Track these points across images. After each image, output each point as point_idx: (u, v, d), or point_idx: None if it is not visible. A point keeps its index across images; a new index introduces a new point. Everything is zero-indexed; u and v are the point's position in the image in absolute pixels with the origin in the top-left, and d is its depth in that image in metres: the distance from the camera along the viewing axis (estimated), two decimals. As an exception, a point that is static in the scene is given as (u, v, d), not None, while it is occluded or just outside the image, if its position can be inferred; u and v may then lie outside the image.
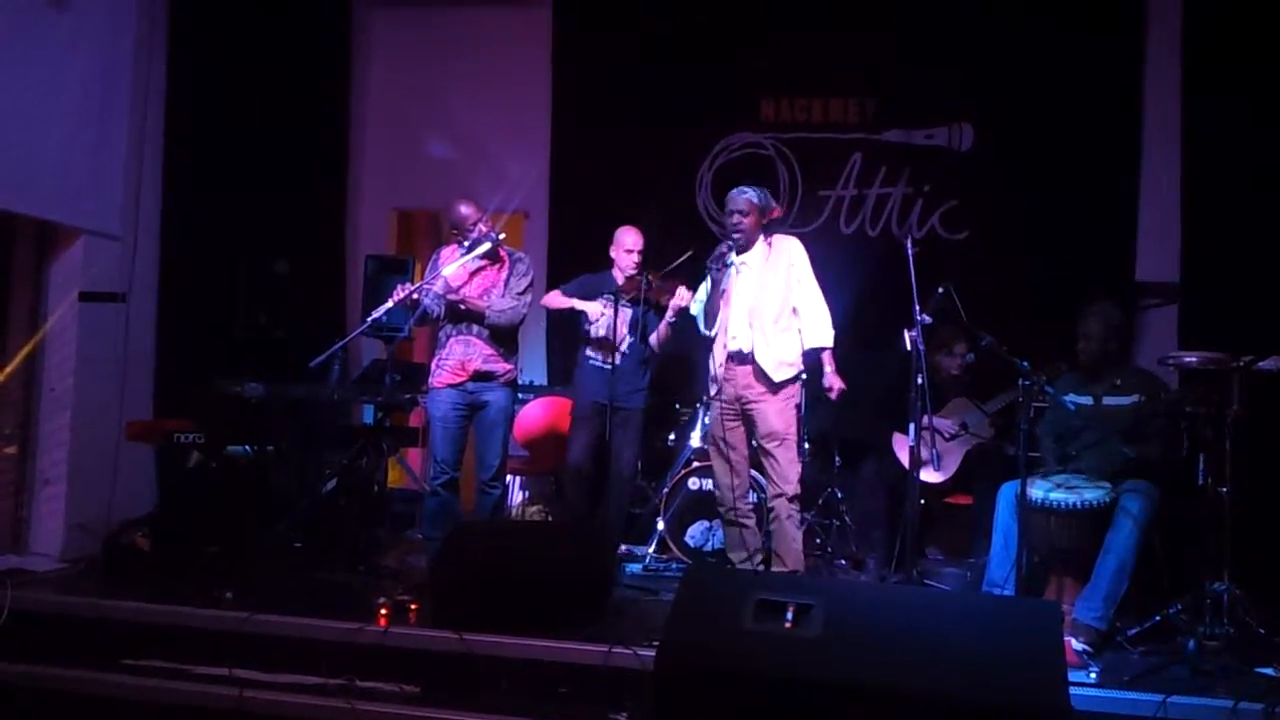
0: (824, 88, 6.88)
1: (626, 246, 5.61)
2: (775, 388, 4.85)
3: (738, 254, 4.94)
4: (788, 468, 4.85)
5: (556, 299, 5.74)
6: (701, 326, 5.09)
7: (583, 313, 5.66)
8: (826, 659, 3.31)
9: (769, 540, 4.93)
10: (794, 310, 4.93)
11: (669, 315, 5.44)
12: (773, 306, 4.88)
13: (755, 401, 4.87)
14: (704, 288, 5.05)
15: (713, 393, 5.00)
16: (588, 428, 5.65)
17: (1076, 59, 6.43)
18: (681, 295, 5.29)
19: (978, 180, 6.62)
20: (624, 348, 5.49)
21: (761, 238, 4.99)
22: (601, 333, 5.58)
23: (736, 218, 4.91)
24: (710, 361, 5.03)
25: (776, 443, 4.84)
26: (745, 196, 4.93)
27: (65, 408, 5.66)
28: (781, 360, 4.86)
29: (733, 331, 4.90)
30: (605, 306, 5.55)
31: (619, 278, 5.63)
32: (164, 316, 6.23)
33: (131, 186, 5.97)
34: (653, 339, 5.63)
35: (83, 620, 4.51)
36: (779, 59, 6.86)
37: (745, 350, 4.87)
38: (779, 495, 4.84)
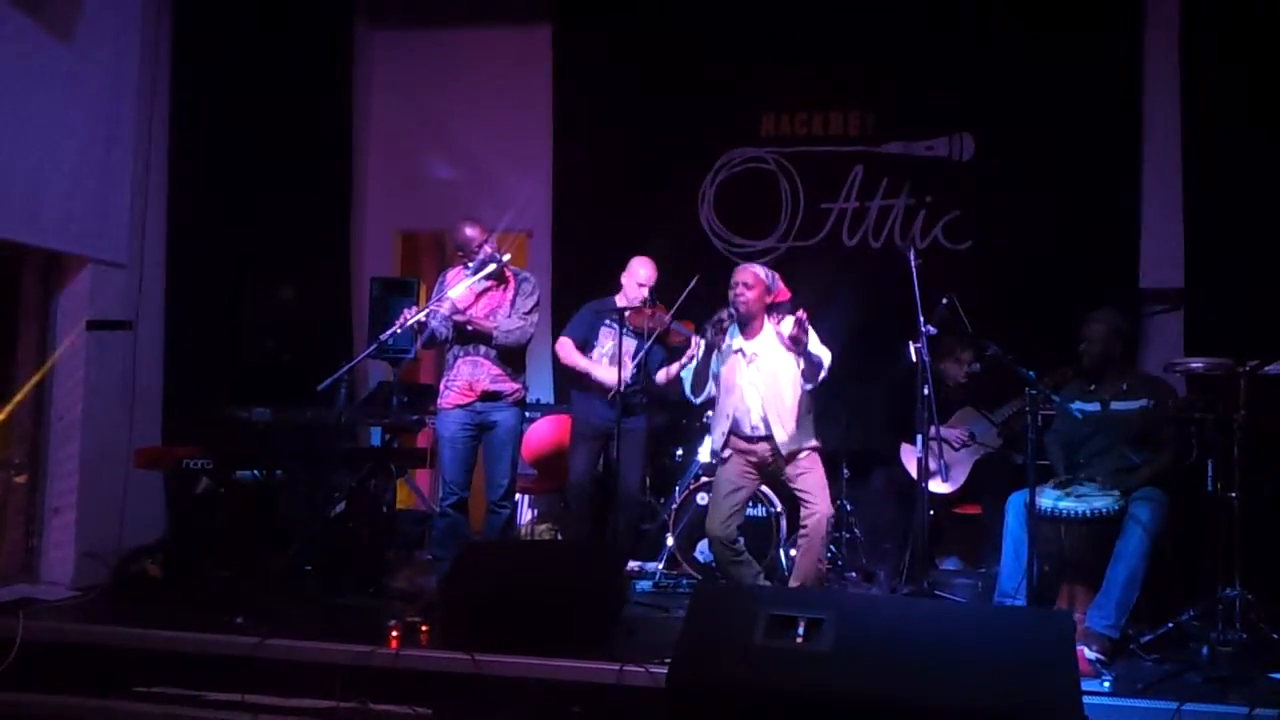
0: (824, 101, 6.92)
1: (640, 280, 5.54)
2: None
3: (744, 338, 4.89)
4: (821, 488, 4.84)
5: (569, 354, 5.65)
6: (688, 390, 5.02)
7: (596, 332, 5.64)
8: (839, 673, 3.31)
9: (776, 556, 4.92)
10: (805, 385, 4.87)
11: (684, 359, 5.27)
12: (788, 393, 4.84)
13: (779, 463, 4.86)
14: (699, 348, 4.96)
15: (725, 455, 4.96)
16: (587, 445, 5.65)
17: (1075, 67, 6.45)
18: (695, 344, 5.11)
19: (979, 190, 6.64)
20: (628, 374, 5.46)
21: (769, 322, 4.91)
22: (606, 363, 5.57)
23: (740, 289, 4.81)
24: (712, 431, 5.04)
25: (804, 473, 4.84)
26: (752, 270, 4.89)
27: (74, 436, 5.66)
28: (805, 446, 4.85)
29: (751, 422, 4.85)
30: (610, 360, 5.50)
31: (621, 303, 5.60)
32: (171, 343, 6.24)
33: (137, 214, 5.99)
34: (660, 376, 5.56)
35: (94, 648, 4.50)
36: (779, 73, 6.90)
37: (764, 433, 4.85)
38: (814, 514, 4.79)
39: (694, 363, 5.00)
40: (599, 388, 5.54)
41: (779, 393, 4.82)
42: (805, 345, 4.65)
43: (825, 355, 4.77)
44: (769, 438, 4.83)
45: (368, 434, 6.85)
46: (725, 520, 4.84)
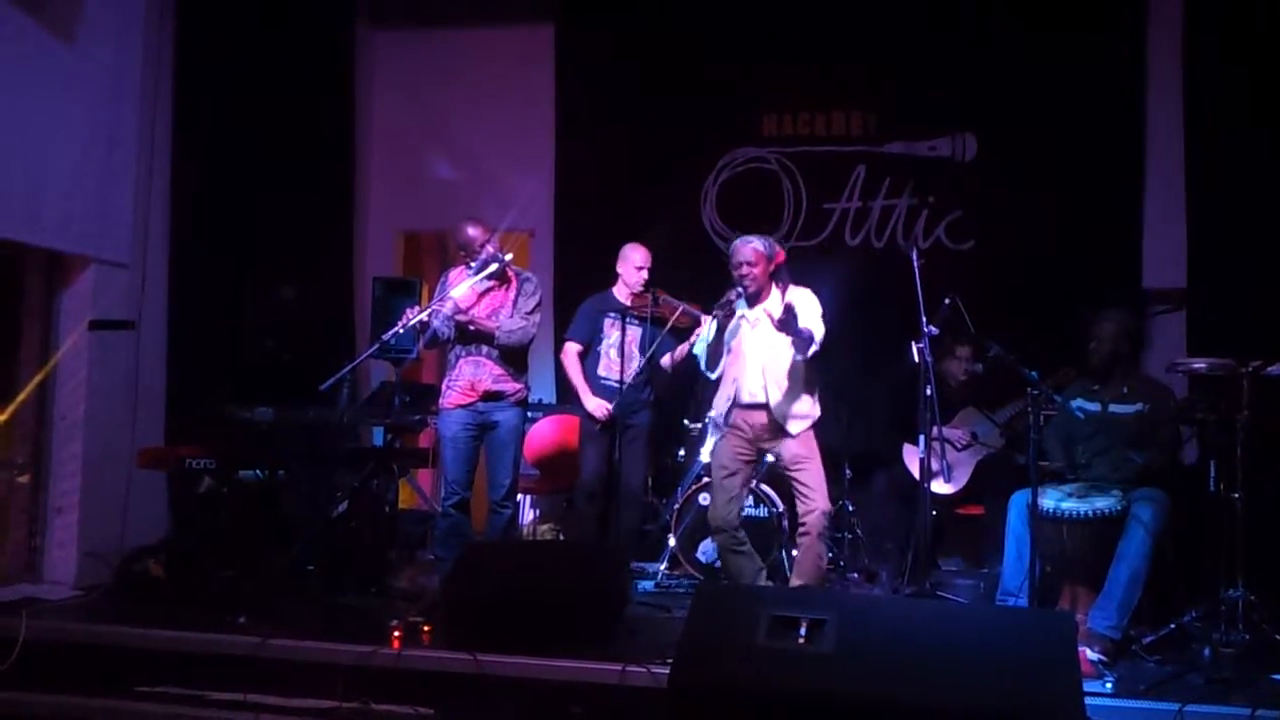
0: (826, 101, 6.92)
1: (636, 264, 5.57)
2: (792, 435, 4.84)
3: (749, 307, 4.88)
4: (819, 483, 4.80)
5: (571, 364, 5.66)
6: (703, 366, 5.02)
7: (600, 327, 5.64)
8: (840, 674, 3.31)
9: (779, 557, 4.91)
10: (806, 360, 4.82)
11: (692, 336, 5.33)
12: (785, 361, 4.81)
13: (774, 440, 4.84)
14: (710, 326, 4.95)
15: (722, 422, 4.96)
16: (597, 445, 5.66)
17: (1077, 67, 6.45)
18: (704, 321, 5.15)
19: (982, 190, 6.64)
20: (635, 365, 5.48)
21: (775, 287, 4.88)
22: (614, 354, 5.57)
23: (745, 268, 4.80)
24: (716, 398, 5.00)
25: (802, 465, 4.80)
26: (750, 246, 4.83)
27: (77, 436, 5.67)
28: (797, 414, 4.81)
29: (749, 387, 4.84)
30: (601, 408, 5.50)
31: (623, 294, 5.62)
32: (174, 343, 6.25)
33: (139, 214, 6.00)
34: (665, 360, 5.59)
35: (97, 648, 4.50)
36: (781, 73, 6.90)
37: (761, 401, 4.82)
38: (812, 510, 4.76)
39: (706, 340, 4.97)
40: (613, 371, 5.55)
41: (778, 359, 4.82)
42: (792, 328, 4.59)
43: (818, 331, 4.71)
44: (766, 406, 4.81)
45: (370, 434, 6.86)
46: (725, 503, 4.84)
